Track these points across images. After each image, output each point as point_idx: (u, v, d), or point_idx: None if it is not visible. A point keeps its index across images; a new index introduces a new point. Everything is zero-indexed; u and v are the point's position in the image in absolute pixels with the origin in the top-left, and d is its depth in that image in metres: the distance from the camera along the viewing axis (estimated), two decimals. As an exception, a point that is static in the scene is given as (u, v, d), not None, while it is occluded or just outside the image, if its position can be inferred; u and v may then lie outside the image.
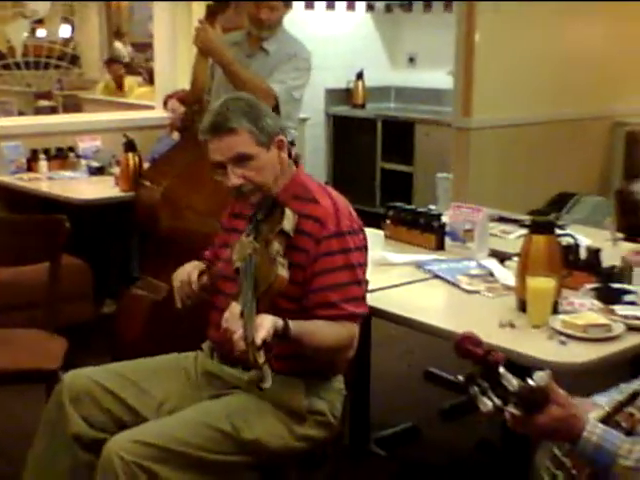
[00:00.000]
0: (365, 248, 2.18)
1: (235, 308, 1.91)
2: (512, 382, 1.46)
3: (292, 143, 3.60)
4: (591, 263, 2.50)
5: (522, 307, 2.28)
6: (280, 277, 1.95)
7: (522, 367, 1.97)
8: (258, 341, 1.80)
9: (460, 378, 1.46)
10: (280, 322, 1.91)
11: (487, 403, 1.45)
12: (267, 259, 1.98)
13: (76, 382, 2.12)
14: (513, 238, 3.06)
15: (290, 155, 2.21)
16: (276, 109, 3.42)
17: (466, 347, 1.46)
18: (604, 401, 1.80)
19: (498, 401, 1.46)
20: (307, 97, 3.79)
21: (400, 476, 2.84)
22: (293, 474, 2.25)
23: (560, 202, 5.28)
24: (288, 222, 2.04)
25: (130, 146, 4.12)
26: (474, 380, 1.46)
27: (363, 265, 2.16)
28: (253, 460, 2.04)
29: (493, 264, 2.74)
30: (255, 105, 2.13)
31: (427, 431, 3.21)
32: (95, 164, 4.52)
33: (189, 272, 2.23)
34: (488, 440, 2.91)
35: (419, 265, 2.78)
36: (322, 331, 2.03)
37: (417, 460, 2.96)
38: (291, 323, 1.94)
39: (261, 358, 1.79)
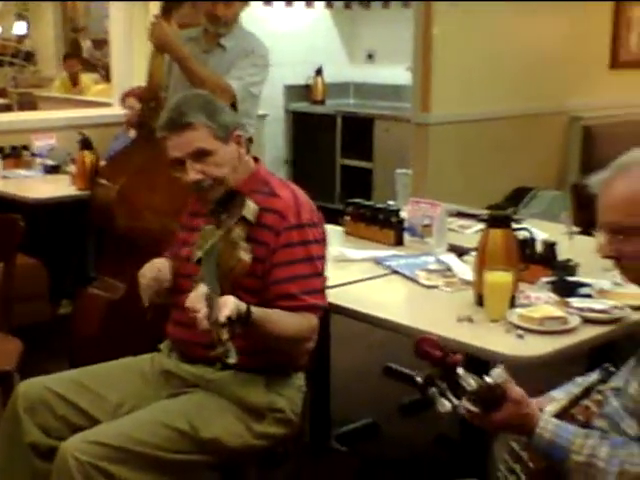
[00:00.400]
0: (324, 242, 2.19)
1: (200, 289, 1.90)
2: (470, 382, 1.48)
3: (250, 140, 3.59)
4: (547, 257, 2.52)
5: (480, 301, 2.29)
6: (242, 261, 1.96)
7: (480, 361, 1.99)
8: (222, 319, 1.80)
9: (419, 380, 1.47)
10: (243, 305, 1.91)
11: (445, 404, 1.47)
12: (229, 245, 1.98)
13: (30, 391, 2.09)
14: (471, 233, 3.08)
15: (248, 151, 2.21)
16: (234, 106, 3.41)
17: (424, 349, 1.48)
18: (561, 395, 1.82)
19: (456, 401, 1.47)
20: (266, 93, 3.78)
21: (360, 472, 2.84)
22: (253, 473, 2.24)
23: (518, 197, 5.34)
24: (248, 210, 2.05)
25: (86, 144, 4.07)
26: (433, 382, 1.47)
27: (322, 258, 2.17)
28: (212, 459, 2.03)
29: (451, 259, 2.75)
30: (212, 100, 2.14)
31: (387, 426, 3.23)
32: (50, 162, 4.46)
33: (159, 268, 2.20)
34: (447, 435, 2.93)
35: (378, 261, 2.78)
36: (283, 320, 2.03)
37: (377, 455, 2.97)
38: (253, 308, 1.94)
39: (225, 335, 1.79)
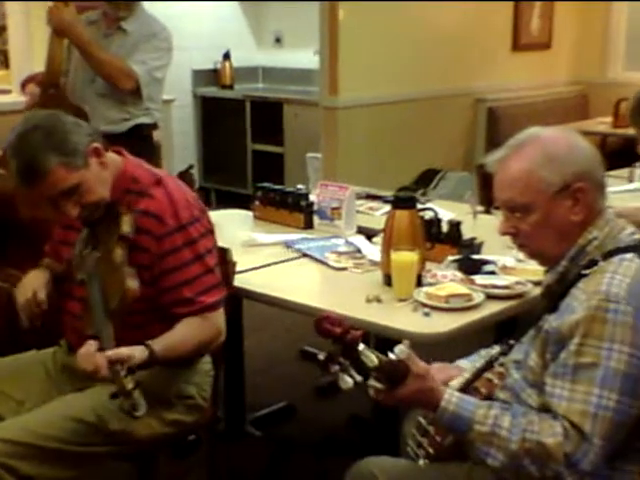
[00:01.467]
0: (211, 232, 2.14)
1: (89, 346, 1.83)
2: (371, 358, 1.49)
3: (155, 125, 3.53)
4: (453, 236, 2.57)
5: (388, 282, 2.33)
6: (130, 290, 1.90)
7: (389, 340, 2.02)
8: (123, 372, 1.77)
9: (320, 357, 1.48)
10: (145, 353, 1.88)
11: (348, 380, 1.48)
12: (112, 270, 1.92)
13: None
14: (380, 215, 3.11)
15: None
16: (137, 91, 3.35)
17: (325, 327, 1.48)
18: (467, 365, 1.87)
19: (359, 377, 1.49)
20: (173, 78, 3.73)
21: (275, 455, 2.85)
22: (165, 461, 2.22)
23: (427, 178, 5.42)
24: (126, 224, 1.96)
25: (-16, 132, 3.92)
26: (334, 359, 1.48)
27: (212, 250, 2.11)
28: (122, 450, 2.00)
29: (360, 241, 2.78)
30: (53, 127, 1.93)
31: (303, 409, 3.24)
32: (-54, 152, 4.28)
33: (35, 289, 2.08)
34: (360, 415, 2.97)
35: (288, 245, 2.78)
36: (186, 336, 2.01)
37: (292, 438, 2.98)
38: (155, 346, 1.91)
39: (129, 384, 1.77)
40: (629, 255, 1.54)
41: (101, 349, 1.80)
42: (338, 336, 1.47)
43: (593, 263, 1.56)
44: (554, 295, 1.63)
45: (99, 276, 1.93)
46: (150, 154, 3.41)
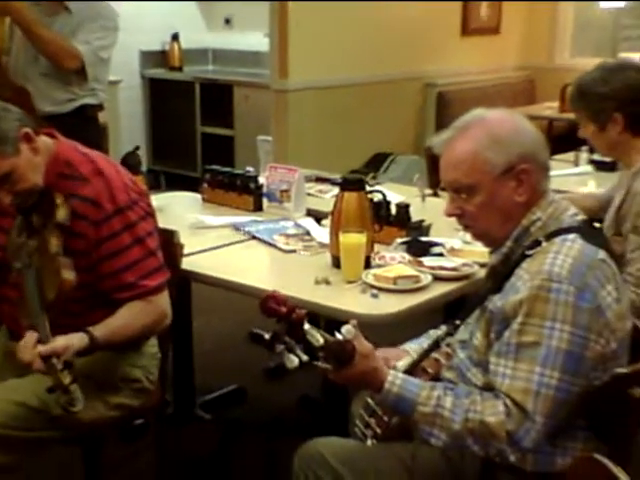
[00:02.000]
0: (151, 214, 2.10)
1: (29, 338, 1.81)
2: (317, 337, 1.49)
3: (101, 106, 3.47)
4: (401, 218, 2.59)
5: (336, 264, 2.33)
6: (66, 281, 1.87)
7: (337, 322, 2.02)
8: (59, 366, 1.74)
9: (266, 337, 1.47)
10: (85, 339, 1.86)
11: (293, 359, 1.49)
12: (48, 260, 1.88)
13: None
14: (329, 197, 3.11)
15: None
16: (82, 71, 3.28)
17: (270, 306, 1.48)
18: (414, 347, 1.88)
19: (305, 357, 1.49)
20: (120, 59, 3.66)
21: (225, 437, 2.85)
22: (113, 445, 2.20)
23: (377, 162, 5.45)
24: (61, 212, 1.91)
25: None
26: (279, 338, 1.48)
27: (153, 233, 2.07)
28: (66, 434, 1.97)
29: (310, 223, 2.78)
30: None
31: (253, 391, 3.24)
32: None
33: None
34: (310, 396, 2.98)
35: (236, 227, 2.77)
36: (129, 320, 1.99)
37: (242, 420, 2.98)
38: (96, 332, 1.88)
39: (66, 378, 1.74)
40: (571, 236, 1.57)
41: (40, 340, 1.78)
42: (283, 315, 1.47)
43: (536, 244, 1.58)
44: (499, 276, 1.64)
45: (34, 267, 1.89)
46: (96, 136, 3.35)
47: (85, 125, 3.29)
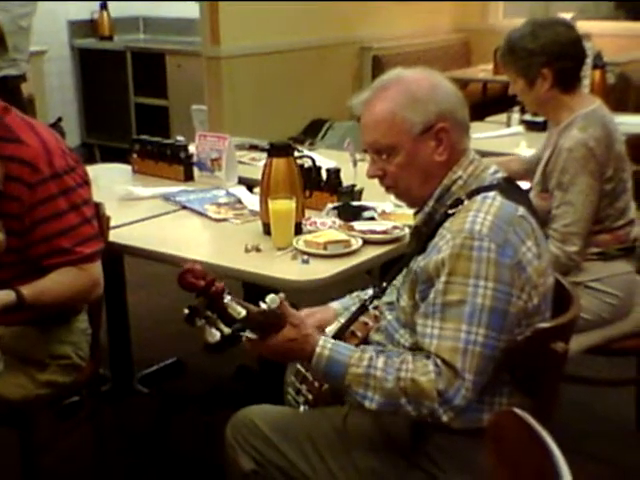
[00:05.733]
0: (87, 183, 2.07)
1: None
2: (238, 310, 1.45)
3: (24, 77, 3.37)
4: (332, 183, 2.57)
5: (267, 231, 2.31)
6: None
7: (268, 289, 2.00)
8: None
9: (185, 312, 1.44)
10: (12, 295, 1.81)
11: (215, 333, 1.45)
12: None
13: None
14: (262, 165, 3.06)
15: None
16: (2, 41, 3.17)
17: (188, 280, 1.43)
18: (339, 306, 1.88)
19: (227, 330, 1.46)
20: (47, 29, 3.55)
21: (162, 410, 2.83)
22: (48, 424, 2.16)
23: (315, 128, 5.43)
24: None
25: None
26: (199, 312, 1.44)
27: (89, 201, 2.05)
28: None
29: (241, 191, 2.75)
30: None
31: (192, 364, 3.22)
32: None
33: None
34: (247, 366, 2.97)
35: (167, 197, 2.72)
36: (60, 284, 1.94)
37: (180, 393, 2.96)
38: (25, 290, 1.84)
39: None
40: (492, 193, 1.57)
41: None
42: (202, 289, 1.43)
43: (458, 202, 1.58)
44: (422, 236, 1.64)
45: None
46: (19, 108, 3.24)
47: (7, 97, 3.17)
